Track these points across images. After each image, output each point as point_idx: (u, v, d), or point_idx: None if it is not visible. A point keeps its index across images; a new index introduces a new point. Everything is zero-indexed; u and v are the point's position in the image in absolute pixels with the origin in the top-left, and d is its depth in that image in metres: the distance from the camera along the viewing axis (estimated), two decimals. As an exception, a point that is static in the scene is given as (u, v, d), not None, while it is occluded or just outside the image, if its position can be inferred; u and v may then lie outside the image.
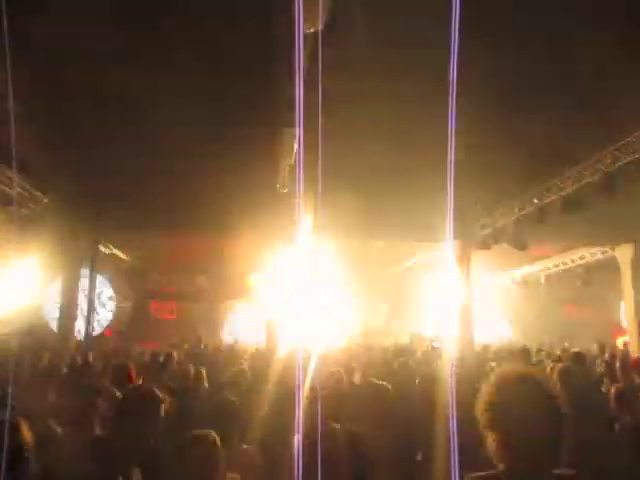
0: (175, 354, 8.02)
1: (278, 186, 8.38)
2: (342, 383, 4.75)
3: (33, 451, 2.00)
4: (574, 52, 5.18)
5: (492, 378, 1.71)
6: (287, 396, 3.57)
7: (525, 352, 7.26)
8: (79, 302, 12.62)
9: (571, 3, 4.75)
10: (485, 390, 1.70)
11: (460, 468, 1.64)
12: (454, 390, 1.56)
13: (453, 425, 1.59)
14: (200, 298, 19.46)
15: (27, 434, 1.99)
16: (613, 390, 4.31)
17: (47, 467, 2.25)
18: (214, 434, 2.59)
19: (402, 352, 7.96)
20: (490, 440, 1.62)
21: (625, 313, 14.26)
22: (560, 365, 4.90)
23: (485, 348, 11.21)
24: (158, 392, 2.63)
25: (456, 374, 5.67)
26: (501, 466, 1.60)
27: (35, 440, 2.04)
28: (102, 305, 17.62)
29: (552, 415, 1.60)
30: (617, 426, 3.87)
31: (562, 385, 4.62)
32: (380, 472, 3.28)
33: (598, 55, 5.07)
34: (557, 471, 1.59)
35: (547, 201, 9.89)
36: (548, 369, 5.68)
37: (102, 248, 14.46)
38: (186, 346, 11.20)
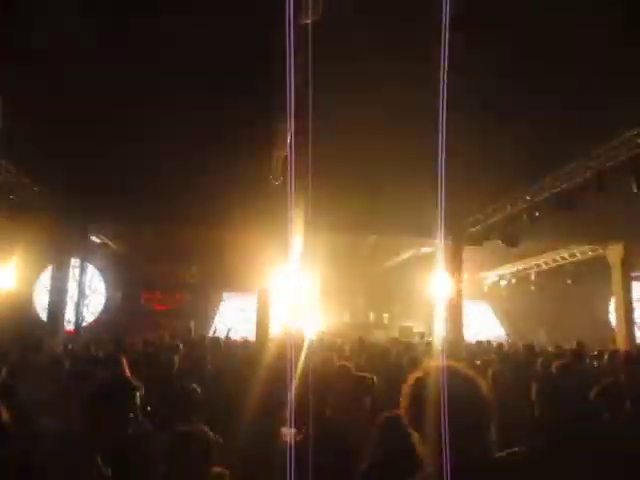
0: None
1: (271, 177, 8.36)
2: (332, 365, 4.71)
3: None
4: (568, 51, 5.19)
5: (412, 375, 1.63)
6: (277, 387, 3.56)
7: (530, 348, 7.13)
8: (69, 292, 12.52)
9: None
10: (406, 387, 1.63)
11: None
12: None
13: (445, 421, 1.51)
14: (191, 289, 19.39)
15: (6, 416, 1.98)
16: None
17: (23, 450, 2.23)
18: (208, 430, 2.50)
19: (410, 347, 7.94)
20: (416, 437, 1.53)
21: (615, 311, 14.39)
22: (558, 362, 4.86)
23: (478, 345, 11.21)
24: (132, 380, 2.57)
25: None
26: (430, 467, 1.50)
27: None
28: (92, 295, 17.52)
29: (475, 406, 1.52)
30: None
31: (562, 381, 4.61)
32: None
33: (591, 54, 5.08)
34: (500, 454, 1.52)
35: (539, 199, 9.92)
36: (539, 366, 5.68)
37: (93, 238, 14.35)
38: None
